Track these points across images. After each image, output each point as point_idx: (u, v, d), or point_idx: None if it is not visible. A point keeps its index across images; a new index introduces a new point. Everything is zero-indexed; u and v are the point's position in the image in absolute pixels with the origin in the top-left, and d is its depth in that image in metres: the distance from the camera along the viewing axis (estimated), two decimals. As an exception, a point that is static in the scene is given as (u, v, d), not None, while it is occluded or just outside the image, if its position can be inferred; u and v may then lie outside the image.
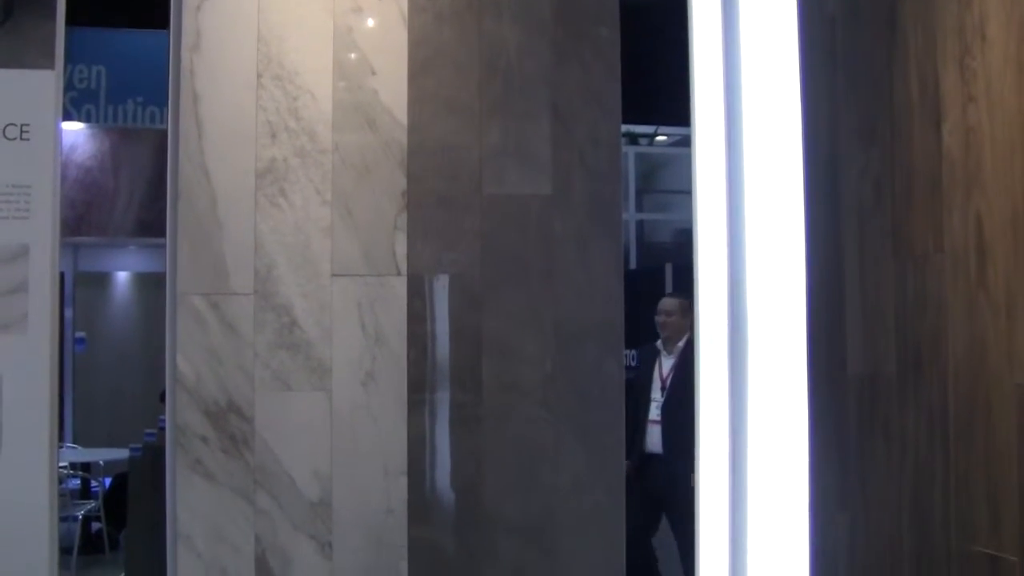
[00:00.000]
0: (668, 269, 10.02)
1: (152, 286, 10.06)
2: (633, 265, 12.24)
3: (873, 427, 2.80)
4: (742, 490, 2.95)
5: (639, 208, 13.11)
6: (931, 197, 2.55)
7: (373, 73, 3.25)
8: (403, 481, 3.19)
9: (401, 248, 3.23)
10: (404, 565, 3.18)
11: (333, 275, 3.20)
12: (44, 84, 3.11)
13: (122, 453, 7.25)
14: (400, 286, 3.22)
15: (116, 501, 7.58)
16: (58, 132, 3.16)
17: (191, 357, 3.14)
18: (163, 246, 3.28)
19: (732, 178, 3.02)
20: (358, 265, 3.21)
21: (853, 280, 2.87)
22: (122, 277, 10.68)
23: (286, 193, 3.20)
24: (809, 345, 2.86)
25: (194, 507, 3.12)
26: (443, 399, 3.24)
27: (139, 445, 6.55)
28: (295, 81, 3.22)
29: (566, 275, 3.29)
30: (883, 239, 2.75)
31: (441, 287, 3.27)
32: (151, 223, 8.53)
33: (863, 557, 2.86)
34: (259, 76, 3.21)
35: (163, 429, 5.30)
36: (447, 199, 3.27)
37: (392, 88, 3.25)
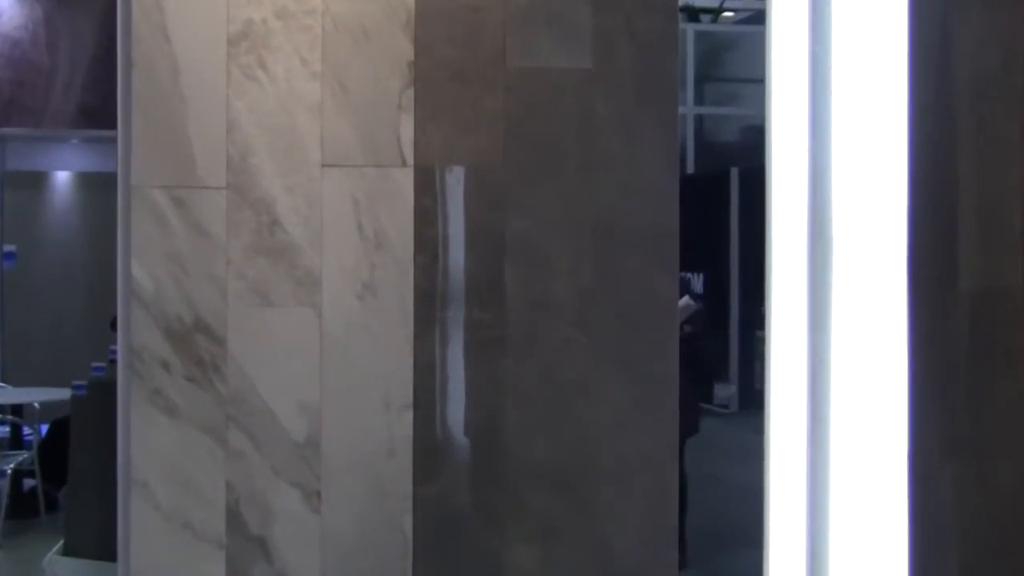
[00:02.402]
0: (733, 175, 10.03)
1: (99, 188, 10.09)
2: (690, 169, 12.23)
3: (991, 356, 2.81)
4: (823, 437, 2.98)
5: (699, 100, 13.05)
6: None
7: (373, -86, 3.25)
8: (408, 417, 3.24)
9: (407, 132, 3.24)
10: (408, 520, 3.23)
11: (323, 165, 3.22)
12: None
13: (62, 393, 7.33)
14: (405, 179, 3.24)
15: (54, 452, 7.67)
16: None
17: (149, 264, 3.17)
18: (113, 140, 3.30)
19: (816, 60, 3.01)
20: (354, 153, 3.23)
21: (969, 170, 2.86)
22: (61, 178, 10.74)
23: (265, 63, 3.21)
24: (910, 254, 2.86)
25: (152, 448, 3.17)
26: (457, 317, 3.27)
27: (83, 382, 6.64)
28: (276, -77, 3.22)
29: (609, 168, 3.30)
30: (1009, 118, 2.73)
31: (455, 181, 3.28)
32: (97, 111, 8.56)
33: (976, 518, 2.89)
34: (232, -83, 3.21)
35: (115, 362, 5.37)
36: (463, 73, 3.27)
37: (396, -67, 3.25)
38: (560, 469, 3.30)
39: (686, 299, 6.43)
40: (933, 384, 2.92)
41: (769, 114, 3.05)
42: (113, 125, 3.26)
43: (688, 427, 6.13)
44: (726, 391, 11.78)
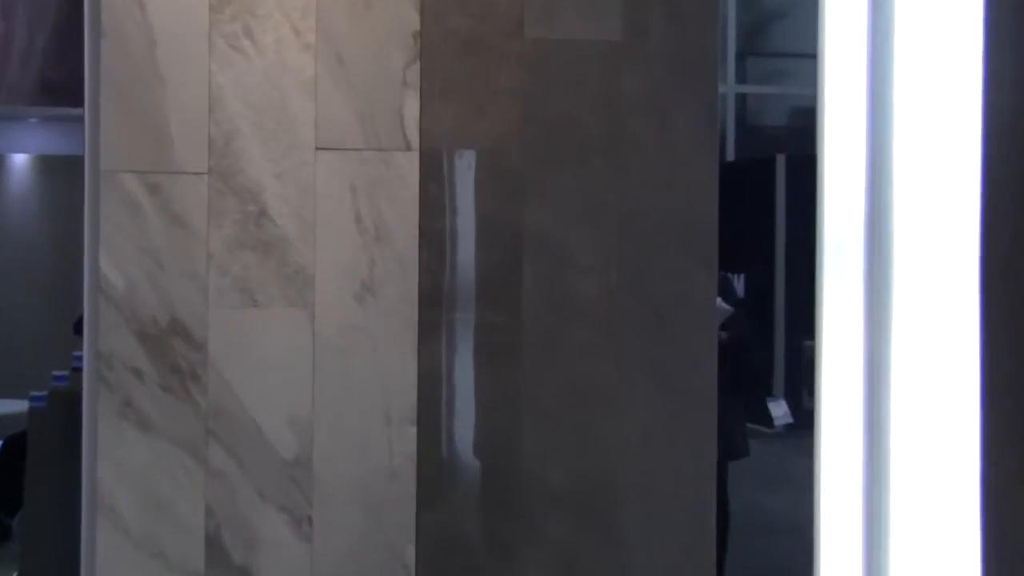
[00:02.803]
0: (780, 163, 10.01)
1: (63, 173, 10.09)
2: (731, 156, 12.22)
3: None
4: (881, 461, 2.99)
5: (741, 78, 13.05)
6: None
7: None
8: (411, 433, 3.26)
9: (411, 112, 3.27)
10: (411, 550, 3.26)
11: (317, 148, 3.24)
12: None
13: (18, 406, 7.35)
14: (410, 165, 3.26)
15: (8, 473, 7.69)
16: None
17: (120, 259, 3.20)
18: (78, 119, 3.32)
19: (876, 31, 3.01)
20: (352, 135, 3.25)
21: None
22: (19, 162, 10.75)
23: (252, 33, 3.24)
24: (982, 252, 2.85)
25: (122, 466, 3.20)
26: (467, 320, 3.30)
27: (43, 393, 6.65)
28: None
29: (639, 153, 3.32)
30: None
31: (466, 167, 3.30)
32: (61, 85, 8.57)
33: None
34: None
35: (79, 370, 5.39)
36: (476, 45, 3.30)
37: None
38: (581, 494, 3.32)
39: (716, 301, 6.41)
40: (1009, 398, 2.91)
41: (821, 93, 3.05)
42: (79, 102, 3.28)
43: (732, 448, 6.11)
44: (778, 409, 11.71)
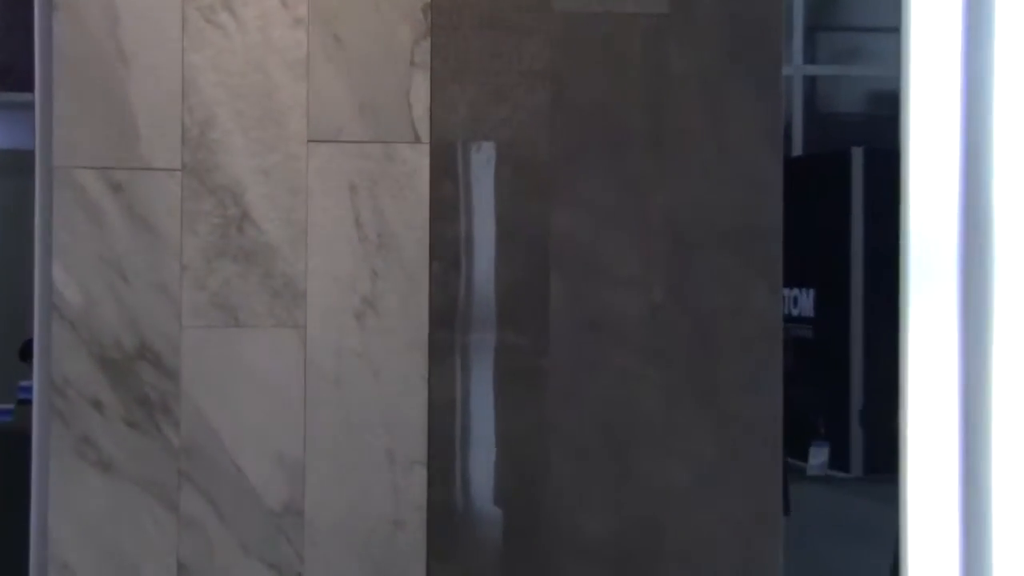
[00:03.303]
0: (856, 157, 10.00)
1: (9, 170, 10.16)
2: (798, 149, 12.22)
3: None
4: (981, 514, 2.99)
5: (809, 57, 13.05)
6: None
7: None
8: (420, 475, 3.28)
9: (420, 97, 3.29)
10: (419, 612, 3.27)
11: (310, 140, 3.27)
12: None
13: (-46, 445, 7.37)
14: (419, 160, 3.29)
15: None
16: None
17: (77, 270, 3.23)
18: (28, 107, 3.35)
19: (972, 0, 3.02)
20: (351, 124, 3.28)
21: None
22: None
23: (232, 5, 3.26)
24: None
25: (79, 516, 3.22)
26: (485, 342, 3.32)
27: (-18, 430, 6.69)
28: None
29: (688, 147, 3.34)
30: None
31: (484, 162, 3.32)
32: (7, 70, 8.64)
33: None
34: None
35: (26, 402, 5.42)
36: (495, 19, 3.32)
37: None
38: (620, 548, 3.33)
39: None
40: None
41: (906, 74, 3.06)
42: (28, 87, 3.30)
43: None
44: (816, 457, 11.64)
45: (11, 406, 6.84)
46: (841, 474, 11.81)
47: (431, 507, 3.28)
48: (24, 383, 5.85)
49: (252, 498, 3.24)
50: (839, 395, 11.46)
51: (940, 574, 3.04)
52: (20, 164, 4.37)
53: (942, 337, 3.07)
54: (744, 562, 3.35)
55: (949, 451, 2.97)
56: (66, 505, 3.22)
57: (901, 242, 3.05)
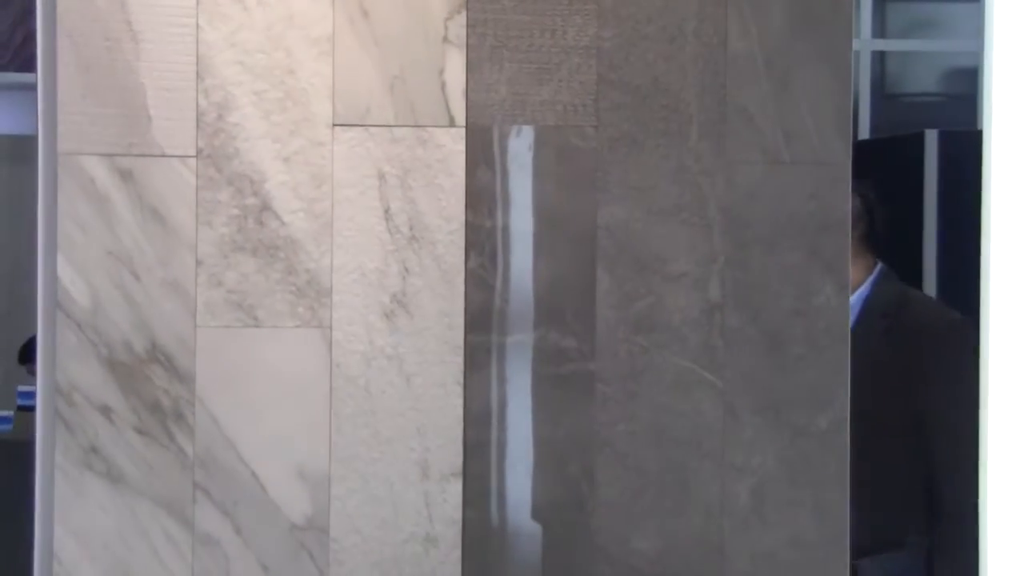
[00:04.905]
0: (931, 140, 9.94)
1: (9, 158, 10.18)
2: (865, 132, 12.17)
3: None
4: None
5: (879, 30, 12.99)
6: None
7: None
8: (455, 490, 3.28)
9: (455, 77, 3.29)
10: (454, 638, 3.28)
11: (335, 125, 3.27)
12: None
13: (-54, 456, 7.41)
14: (453, 145, 3.29)
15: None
16: None
17: (83, 266, 3.24)
18: (29, 88, 3.35)
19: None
20: (380, 107, 3.28)
21: None
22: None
23: (252, -23, 3.27)
24: None
25: (85, 532, 3.24)
26: (525, 344, 3.32)
27: (-22, 440, 6.72)
28: None
29: (749, 128, 3.33)
30: None
31: (524, 148, 3.32)
32: (3, 45, 8.67)
33: None
34: None
35: (28, 409, 5.43)
36: (537, -10, 3.32)
37: None
38: (671, 566, 3.32)
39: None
40: None
41: (987, 49, 3.05)
42: (29, 67, 3.30)
43: None
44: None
45: (11, 413, 6.87)
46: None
47: (466, 523, 3.28)
48: (25, 388, 5.89)
49: (273, 513, 3.25)
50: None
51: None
52: (20, 151, 4.39)
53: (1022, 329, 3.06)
54: (809, 582, 3.35)
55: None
56: (72, 520, 3.23)
57: (982, 229, 3.04)
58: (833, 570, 3.34)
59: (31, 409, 3.34)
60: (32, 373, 3.29)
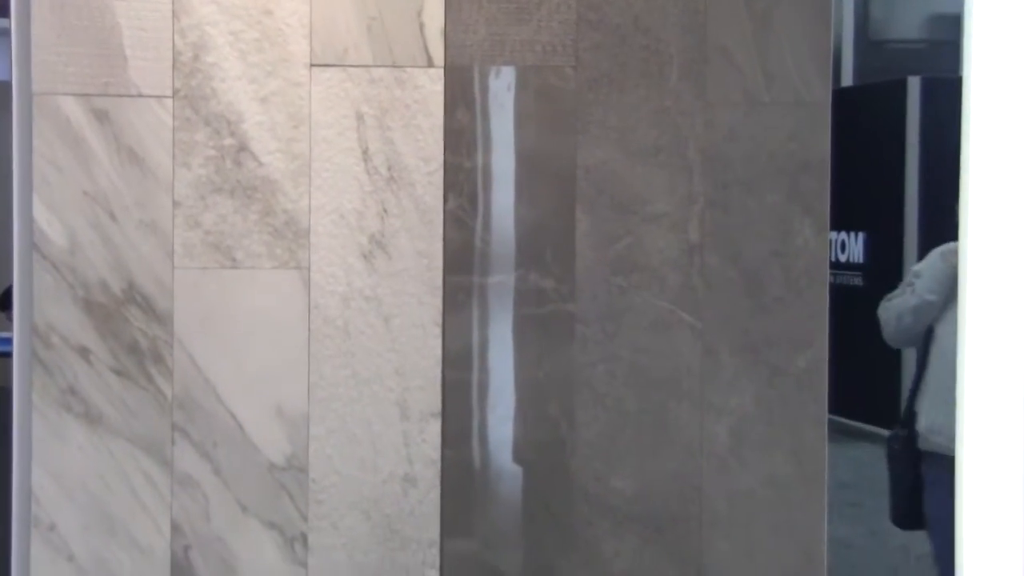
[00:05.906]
0: (913, 85, 9.92)
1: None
2: (848, 79, 12.15)
3: None
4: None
5: (861, -23, 12.97)
6: None
7: None
8: (434, 430, 3.29)
9: (434, 16, 3.28)
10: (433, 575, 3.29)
11: (313, 65, 3.26)
12: None
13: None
14: (432, 85, 3.28)
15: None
16: None
17: (60, 207, 3.24)
18: (2, 31, 3.33)
19: None
20: (358, 47, 3.27)
21: None
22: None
23: (229, -84, 3.26)
24: None
25: (64, 473, 3.24)
26: (505, 285, 3.32)
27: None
28: None
29: (729, 70, 3.33)
30: None
31: (504, 88, 3.32)
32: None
33: None
34: None
35: (4, 354, 5.43)
36: (516, -70, 3.31)
37: None
38: (652, 509, 3.34)
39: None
40: None
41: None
42: (4, 12, 3.29)
43: None
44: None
45: (-12, 359, 6.86)
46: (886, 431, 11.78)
47: (445, 464, 3.29)
48: (5, 335, 5.86)
49: (251, 453, 3.26)
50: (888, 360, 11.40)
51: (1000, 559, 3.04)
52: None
53: (1010, 291, 3.06)
54: (788, 523, 3.35)
55: (1014, 428, 2.97)
56: (50, 462, 3.23)
57: (961, 180, 3.04)
58: (810, 509, 3.36)
59: (9, 356, 3.32)
60: (12, 320, 3.28)
